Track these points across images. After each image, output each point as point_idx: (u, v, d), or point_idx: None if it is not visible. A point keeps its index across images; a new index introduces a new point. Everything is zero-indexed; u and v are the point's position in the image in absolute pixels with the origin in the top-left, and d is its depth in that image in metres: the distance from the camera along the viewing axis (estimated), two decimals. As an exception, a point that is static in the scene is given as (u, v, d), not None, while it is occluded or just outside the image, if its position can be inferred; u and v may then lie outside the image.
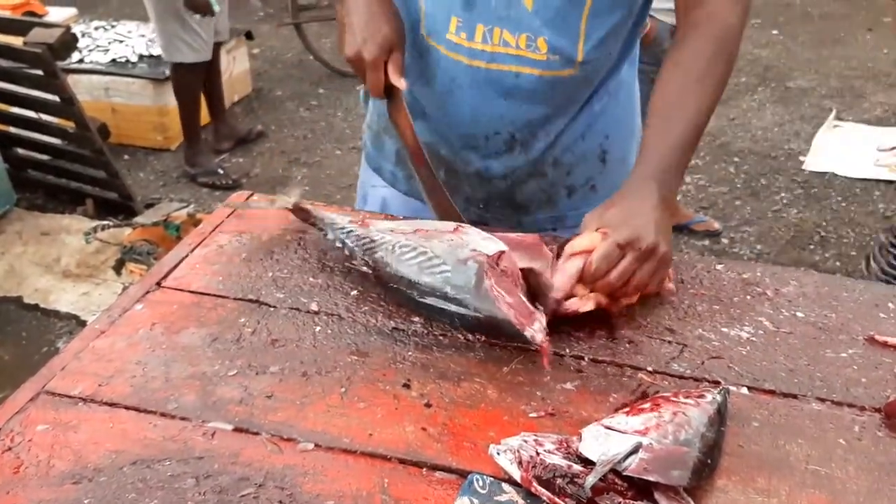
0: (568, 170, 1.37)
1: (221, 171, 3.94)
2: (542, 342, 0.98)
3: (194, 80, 3.80)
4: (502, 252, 1.05)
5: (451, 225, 1.14)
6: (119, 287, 2.83)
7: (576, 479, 0.82)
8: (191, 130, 3.94)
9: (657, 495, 0.82)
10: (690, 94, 1.15)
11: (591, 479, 0.81)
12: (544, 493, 0.82)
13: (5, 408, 0.99)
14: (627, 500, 0.81)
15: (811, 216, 3.83)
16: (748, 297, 1.14)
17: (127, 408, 0.98)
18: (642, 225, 1.05)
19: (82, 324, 2.76)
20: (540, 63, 1.25)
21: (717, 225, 3.72)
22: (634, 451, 0.82)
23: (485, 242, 1.07)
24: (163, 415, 0.96)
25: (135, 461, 0.90)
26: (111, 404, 0.99)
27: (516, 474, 0.85)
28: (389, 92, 1.24)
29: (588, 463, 0.84)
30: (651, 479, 0.81)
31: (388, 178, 1.50)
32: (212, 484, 0.87)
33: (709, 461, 0.86)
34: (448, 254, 1.06)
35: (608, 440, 0.85)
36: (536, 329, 0.99)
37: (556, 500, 0.81)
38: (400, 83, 1.21)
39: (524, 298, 1.02)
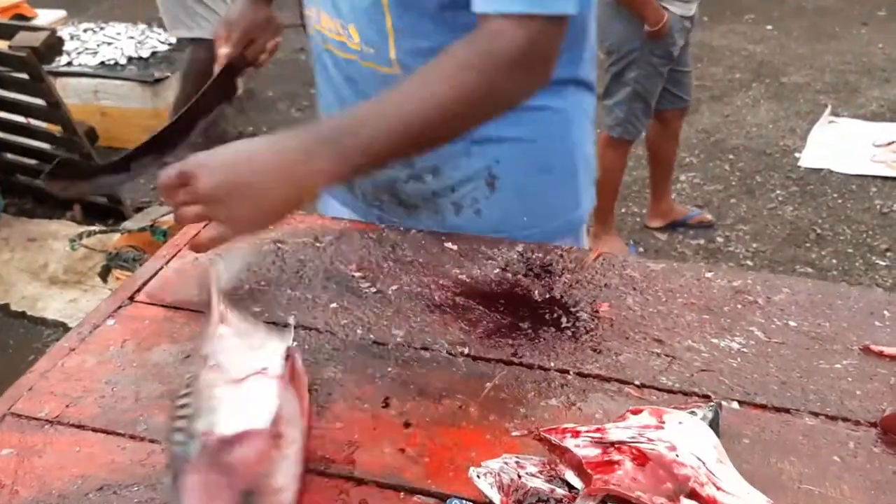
0: (452, 185, 1.27)
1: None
2: None
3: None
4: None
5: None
6: (106, 294, 2.80)
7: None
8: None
9: None
10: (422, 84, 1.03)
11: None
12: None
13: (-31, 431, 0.96)
14: None
15: (807, 213, 3.79)
16: (739, 305, 1.11)
17: (94, 430, 0.95)
18: (230, 167, 0.94)
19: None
20: (358, 52, 1.21)
21: (709, 216, 3.69)
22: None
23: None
24: (132, 437, 0.93)
25: (101, 486, 0.87)
26: (78, 426, 0.95)
27: (496, 499, 0.82)
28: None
29: (573, 487, 0.81)
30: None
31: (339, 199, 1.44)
32: (180, 511, 0.83)
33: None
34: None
35: None
36: None
37: None
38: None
39: None
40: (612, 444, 0.80)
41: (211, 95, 1.38)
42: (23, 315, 2.81)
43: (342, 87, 1.29)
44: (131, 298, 1.16)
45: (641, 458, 0.77)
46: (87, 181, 1.35)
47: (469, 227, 1.28)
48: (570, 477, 0.80)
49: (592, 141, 1.38)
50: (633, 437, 0.79)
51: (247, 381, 0.86)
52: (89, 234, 2.92)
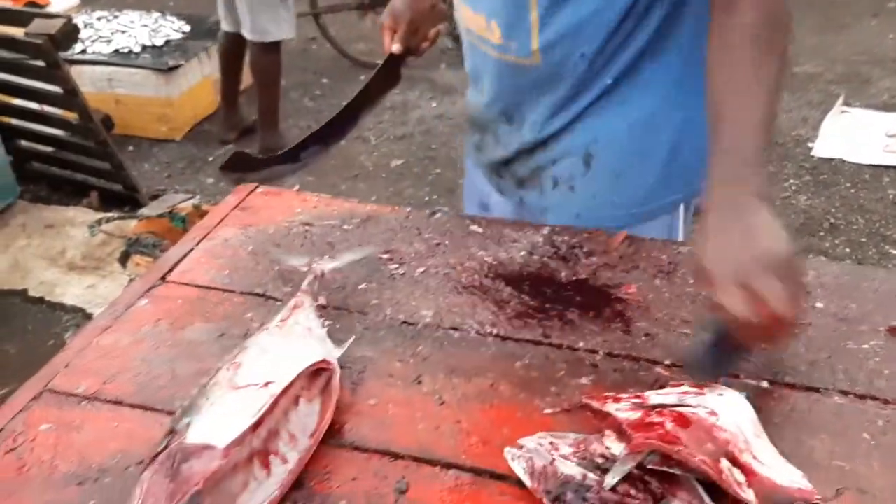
0: (553, 158, 1.31)
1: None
2: None
3: (279, 60, 3.79)
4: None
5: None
6: (125, 279, 2.81)
7: (588, 493, 0.79)
8: (274, 118, 3.91)
9: None
10: (748, 70, 1.03)
11: (609, 480, 0.79)
12: None
13: (7, 407, 0.98)
14: None
15: (820, 203, 3.79)
16: (766, 287, 1.11)
17: (132, 406, 0.96)
18: (744, 244, 0.90)
19: (88, 317, 2.74)
20: (499, 47, 1.24)
21: None
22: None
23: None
24: (169, 413, 0.94)
25: (140, 461, 0.88)
26: (116, 402, 0.97)
27: (528, 483, 0.83)
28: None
29: (604, 471, 0.80)
30: (675, 471, 0.78)
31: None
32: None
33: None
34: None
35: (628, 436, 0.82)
36: None
37: None
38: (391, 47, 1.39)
39: None
40: (653, 407, 0.81)
41: (376, 85, 1.43)
42: (41, 300, 2.83)
43: (490, 80, 1.32)
44: (163, 279, 1.17)
45: (682, 421, 0.78)
46: (259, 171, 1.40)
47: (563, 203, 1.30)
48: (610, 442, 0.81)
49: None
50: (673, 402, 0.80)
51: (244, 390, 0.86)
52: (108, 220, 2.94)
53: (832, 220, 3.68)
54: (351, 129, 1.43)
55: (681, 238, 1.33)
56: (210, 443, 0.78)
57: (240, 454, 0.81)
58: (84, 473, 0.88)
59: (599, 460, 0.82)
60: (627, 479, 0.80)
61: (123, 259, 2.78)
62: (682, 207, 1.33)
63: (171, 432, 0.81)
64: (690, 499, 0.79)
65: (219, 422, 0.81)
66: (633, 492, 0.79)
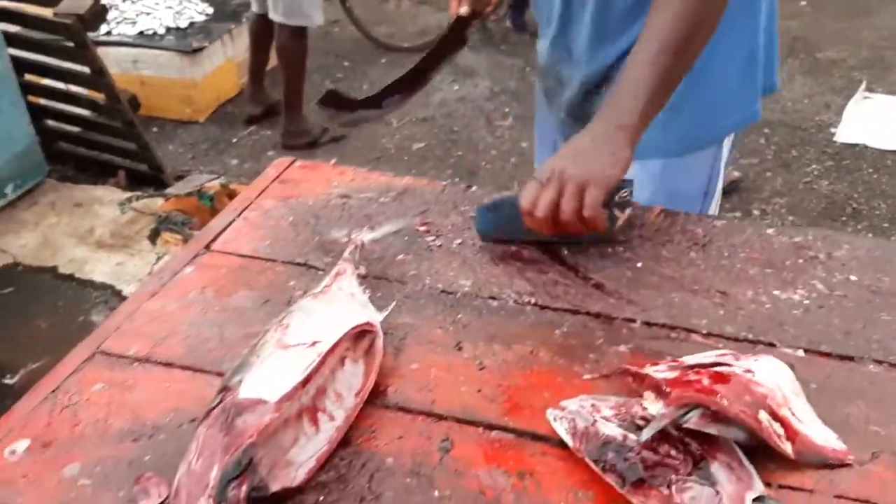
0: None
1: (326, 128, 3.98)
2: None
3: (305, 45, 3.82)
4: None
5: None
6: (153, 257, 2.85)
7: (629, 453, 0.81)
8: (298, 102, 3.94)
9: (715, 468, 0.80)
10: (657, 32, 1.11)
11: (646, 433, 0.80)
12: (594, 467, 0.82)
13: (61, 368, 1.01)
14: (680, 476, 0.79)
15: (843, 188, 3.77)
16: (800, 260, 1.13)
17: (182, 367, 0.99)
18: (564, 156, 1.08)
19: (117, 293, 2.78)
20: None
21: (736, 173, 3.69)
22: (696, 406, 0.81)
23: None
24: (218, 374, 0.96)
25: (192, 419, 0.91)
26: (166, 364, 1.00)
27: (570, 443, 0.85)
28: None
29: (640, 428, 0.83)
30: (711, 432, 0.80)
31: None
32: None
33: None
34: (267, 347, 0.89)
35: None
36: None
37: (604, 476, 0.81)
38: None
39: (213, 475, 0.77)
40: (691, 367, 0.83)
41: (444, 47, 1.49)
42: (71, 277, 2.87)
43: (555, 11, 1.36)
44: (207, 248, 1.20)
45: (720, 378, 0.80)
46: (349, 112, 1.50)
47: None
48: (649, 403, 0.83)
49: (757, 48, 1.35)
50: (711, 362, 0.82)
51: (293, 349, 0.88)
52: (137, 197, 2.97)
53: (854, 206, 3.67)
54: (421, 88, 1.50)
55: (722, 169, 1.37)
56: (262, 398, 0.81)
57: (290, 410, 0.83)
58: (138, 430, 0.91)
59: (640, 422, 0.84)
60: (667, 440, 0.82)
61: (153, 236, 2.82)
62: (728, 138, 1.36)
63: (224, 389, 0.84)
64: (729, 460, 0.81)
65: (269, 379, 0.84)
66: (672, 452, 0.81)
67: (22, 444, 0.90)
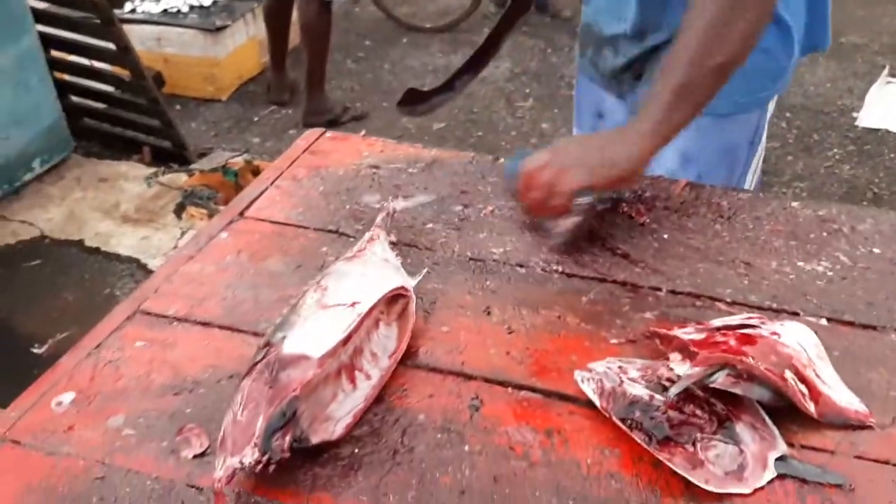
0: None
1: (347, 106, 4.01)
2: (218, 480, 0.77)
3: (330, 20, 3.82)
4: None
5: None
6: (178, 231, 2.89)
7: (655, 412, 0.84)
8: (321, 80, 3.95)
9: (739, 428, 0.82)
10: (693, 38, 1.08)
11: (673, 391, 0.83)
12: (620, 426, 0.84)
13: (103, 326, 1.04)
14: (706, 434, 0.82)
15: (864, 173, 3.76)
16: (824, 233, 1.14)
17: (220, 327, 1.03)
18: (572, 140, 1.13)
19: (142, 267, 2.82)
20: None
21: None
22: (721, 367, 0.83)
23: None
24: (255, 334, 1.00)
25: (231, 375, 0.94)
26: (205, 324, 1.03)
27: (597, 403, 0.88)
28: None
29: (665, 389, 0.85)
30: (737, 392, 0.82)
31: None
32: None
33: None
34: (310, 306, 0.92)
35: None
36: (227, 465, 0.78)
37: (630, 434, 0.83)
38: None
39: (259, 425, 0.79)
40: (717, 329, 0.85)
41: (512, 14, 1.52)
42: (97, 251, 2.92)
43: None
44: (241, 214, 1.23)
45: (746, 339, 0.83)
46: (425, 102, 1.53)
47: None
48: (676, 364, 0.86)
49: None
50: (737, 324, 0.85)
51: (333, 310, 0.91)
52: (163, 172, 3.01)
53: (875, 191, 3.66)
54: (494, 55, 1.54)
55: (766, 123, 1.38)
56: (305, 353, 0.84)
57: (331, 366, 0.86)
58: (179, 385, 0.94)
59: (666, 383, 0.87)
60: (693, 400, 0.84)
61: (179, 210, 2.86)
62: (771, 104, 1.37)
63: (268, 345, 0.87)
64: (754, 421, 0.83)
65: (311, 336, 0.87)
66: (698, 412, 0.84)
67: (67, 397, 0.93)
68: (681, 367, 0.86)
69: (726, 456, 0.80)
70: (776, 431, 0.83)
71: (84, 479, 0.84)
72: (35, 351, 2.49)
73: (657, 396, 0.85)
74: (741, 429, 0.82)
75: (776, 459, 0.80)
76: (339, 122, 3.99)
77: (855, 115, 4.25)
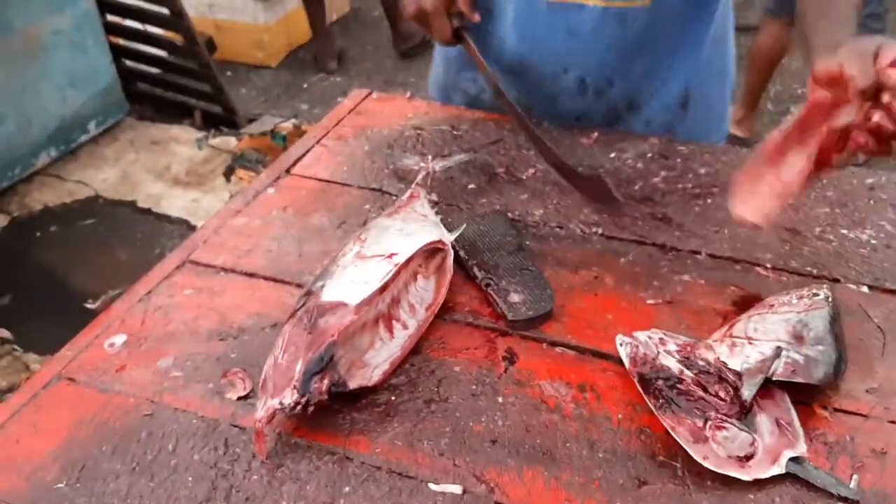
0: (647, 118, 1.34)
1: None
2: (259, 420, 0.81)
3: None
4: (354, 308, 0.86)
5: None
6: (226, 195, 2.95)
7: (679, 386, 0.83)
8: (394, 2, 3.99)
9: (760, 419, 0.81)
10: None
11: (747, 392, 0.81)
12: (639, 388, 0.85)
13: (154, 274, 1.08)
14: (721, 415, 0.80)
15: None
16: (871, 202, 1.13)
17: (265, 278, 1.06)
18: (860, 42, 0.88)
19: (192, 228, 2.89)
20: None
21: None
22: (777, 355, 0.83)
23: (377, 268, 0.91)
24: (298, 286, 1.03)
25: (275, 324, 0.97)
26: (250, 275, 1.06)
27: (626, 364, 0.88)
28: (459, 36, 1.21)
29: (702, 372, 0.84)
30: (798, 380, 0.82)
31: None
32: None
33: (843, 356, 0.86)
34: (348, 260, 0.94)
35: (742, 350, 0.85)
36: (268, 406, 0.81)
37: (645, 396, 0.83)
38: (473, 16, 1.19)
39: (298, 368, 0.82)
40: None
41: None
42: (149, 212, 3.00)
43: (558, 38, 1.26)
44: (288, 171, 1.26)
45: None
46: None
47: None
48: (720, 349, 0.85)
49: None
50: None
51: (371, 261, 0.93)
52: (214, 135, 3.06)
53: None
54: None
55: None
56: (343, 300, 0.86)
57: (368, 314, 0.89)
58: (225, 331, 0.98)
59: (701, 362, 0.85)
60: (720, 382, 0.83)
61: (228, 173, 2.92)
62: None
63: (308, 293, 0.90)
64: (780, 417, 0.82)
65: (349, 285, 0.89)
66: (721, 394, 0.82)
67: (120, 339, 0.97)
68: (723, 352, 0.85)
69: (736, 440, 0.79)
70: (801, 433, 0.81)
71: (134, 415, 0.88)
72: (88, 306, 2.58)
73: (687, 373, 0.84)
74: (762, 420, 0.81)
75: (790, 459, 0.78)
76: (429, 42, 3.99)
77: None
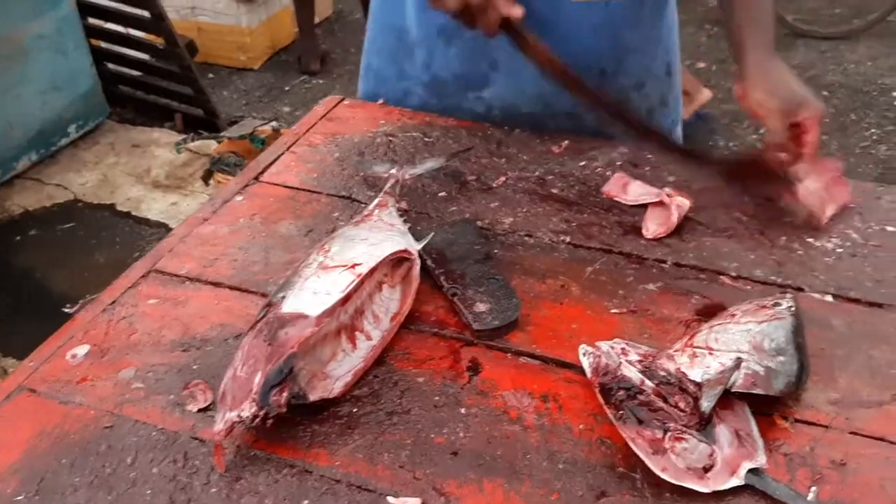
0: (647, 92, 1.38)
1: None
2: (217, 433, 0.80)
3: None
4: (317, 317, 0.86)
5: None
6: (205, 198, 2.94)
7: (640, 396, 0.83)
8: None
9: (719, 430, 0.80)
10: None
11: (706, 404, 0.80)
12: (599, 398, 0.84)
13: (119, 282, 1.07)
14: (680, 427, 0.80)
15: (902, 155, 3.69)
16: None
17: (230, 287, 1.05)
18: (785, 87, 1.15)
19: (170, 232, 2.88)
20: None
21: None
22: (736, 367, 0.82)
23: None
24: (263, 295, 1.02)
25: (238, 334, 0.97)
26: (215, 284, 1.06)
27: (588, 375, 0.88)
28: (508, 27, 1.14)
29: (663, 383, 0.83)
30: (758, 392, 0.82)
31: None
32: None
33: (805, 366, 0.86)
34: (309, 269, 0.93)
35: (703, 361, 0.84)
36: (226, 418, 0.80)
37: (605, 407, 0.83)
38: (516, 11, 1.13)
39: (257, 381, 0.81)
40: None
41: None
42: (128, 215, 2.99)
43: (584, 35, 1.28)
44: (257, 178, 1.25)
45: None
46: None
47: (660, 120, 1.43)
48: (681, 359, 0.85)
49: None
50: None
51: (334, 271, 0.93)
52: (192, 139, 3.05)
53: (913, 172, 3.58)
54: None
55: None
56: (303, 312, 0.86)
57: (329, 326, 0.89)
58: (188, 342, 0.97)
59: (662, 373, 0.84)
60: (680, 394, 0.82)
61: (207, 176, 2.90)
62: None
63: (269, 304, 0.89)
64: (739, 429, 0.81)
65: (311, 296, 0.89)
66: (681, 405, 0.82)
67: (82, 349, 0.97)
68: (686, 364, 0.85)
69: (695, 452, 0.79)
70: (761, 445, 0.81)
71: (94, 427, 0.87)
72: (67, 311, 2.56)
73: (648, 383, 0.84)
74: (721, 431, 0.81)
75: (749, 471, 0.78)
76: None
77: (895, 94, 4.15)
